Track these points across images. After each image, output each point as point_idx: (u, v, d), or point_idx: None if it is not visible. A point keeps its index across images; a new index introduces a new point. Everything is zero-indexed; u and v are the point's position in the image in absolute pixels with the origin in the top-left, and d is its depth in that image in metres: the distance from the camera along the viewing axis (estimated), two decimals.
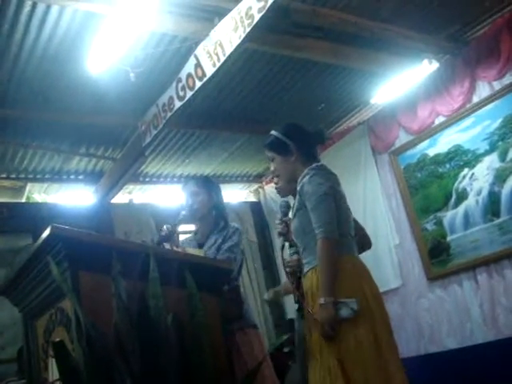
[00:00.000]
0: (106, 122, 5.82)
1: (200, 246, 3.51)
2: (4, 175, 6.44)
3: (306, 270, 2.78)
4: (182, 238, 3.72)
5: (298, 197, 2.80)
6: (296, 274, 2.95)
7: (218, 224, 3.53)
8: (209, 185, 3.68)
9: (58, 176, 6.77)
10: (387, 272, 6.17)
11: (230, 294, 2.89)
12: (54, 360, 2.00)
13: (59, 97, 5.13)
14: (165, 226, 3.44)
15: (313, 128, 3.08)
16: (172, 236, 3.42)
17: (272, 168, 3.06)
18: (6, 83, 4.82)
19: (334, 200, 2.70)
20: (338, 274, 2.58)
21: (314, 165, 2.83)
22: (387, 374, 2.46)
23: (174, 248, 3.23)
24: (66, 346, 1.73)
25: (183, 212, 3.51)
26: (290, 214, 2.96)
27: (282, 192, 3.18)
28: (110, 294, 1.82)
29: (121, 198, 7.32)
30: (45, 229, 2.04)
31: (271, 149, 3.00)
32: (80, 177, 6.93)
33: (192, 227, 3.73)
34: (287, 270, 3.00)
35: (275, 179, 3.22)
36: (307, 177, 2.75)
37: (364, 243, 3.12)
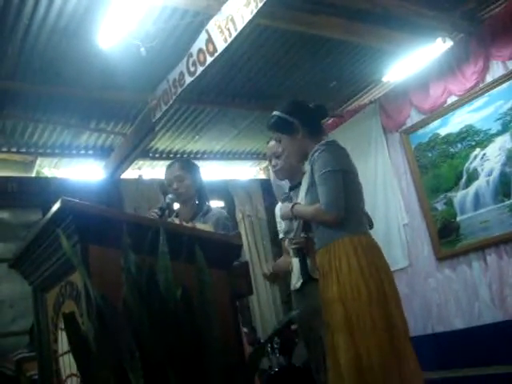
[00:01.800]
0: (116, 97, 5.81)
1: None
2: (14, 149, 6.46)
3: (318, 246, 2.77)
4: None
5: (309, 172, 2.78)
6: (302, 252, 2.97)
7: (201, 207, 3.50)
8: (192, 168, 3.59)
9: (67, 151, 6.78)
10: (396, 251, 6.16)
11: (239, 270, 2.89)
12: (63, 333, 2.01)
13: (69, 71, 5.11)
14: (154, 211, 3.41)
15: (313, 103, 3.04)
16: (164, 217, 3.38)
17: (280, 149, 3.03)
18: (16, 56, 4.81)
19: (342, 176, 2.68)
20: (351, 253, 2.59)
21: (324, 141, 2.80)
22: (401, 356, 2.47)
23: (183, 223, 3.23)
24: (75, 318, 1.74)
25: (170, 195, 3.45)
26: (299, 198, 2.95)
27: (280, 174, 3.21)
28: (119, 267, 1.82)
29: (130, 173, 7.33)
30: (54, 203, 2.04)
31: (276, 129, 2.97)
32: (90, 152, 6.95)
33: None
34: (293, 247, 3.01)
35: (273, 161, 3.23)
36: (317, 153, 2.72)
37: None
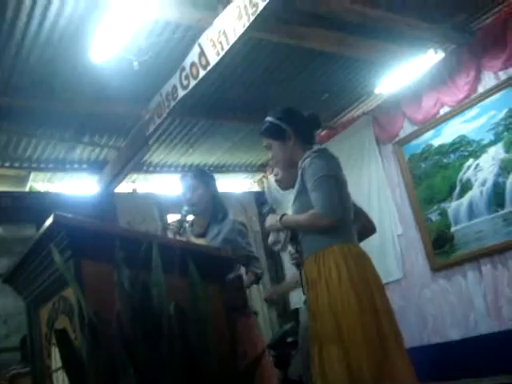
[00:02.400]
0: (110, 111, 5.81)
1: (199, 236, 3.51)
2: (7, 164, 6.43)
3: (306, 255, 2.74)
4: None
5: (299, 179, 2.74)
6: (301, 267, 2.95)
7: (216, 215, 3.53)
8: (205, 177, 3.66)
9: (61, 165, 6.76)
10: (390, 263, 6.17)
11: (233, 283, 2.89)
12: (56, 348, 2.00)
13: (62, 85, 5.12)
14: (172, 222, 3.44)
15: (307, 112, 3.01)
16: (180, 230, 3.40)
17: (270, 155, 3.01)
18: (9, 71, 4.81)
19: (335, 182, 2.66)
20: (341, 262, 2.57)
21: (315, 148, 2.78)
22: (394, 367, 2.45)
23: (178, 237, 3.23)
24: (68, 334, 1.73)
25: (185, 207, 3.49)
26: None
27: (282, 183, 3.15)
28: (113, 282, 1.81)
29: (124, 187, 7.31)
30: (48, 218, 2.03)
31: (267, 135, 2.93)
32: (83, 166, 6.93)
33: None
34: (293, 262, 2.99)
35: (275, 170, 3.19)
36: (308, 159, 2.68)
37: (368, 229, 3.11)
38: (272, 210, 3.01)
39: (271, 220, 2.87)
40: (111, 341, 1.67)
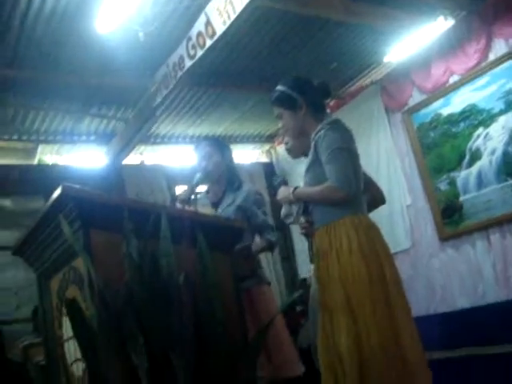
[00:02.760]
0: (117, 83, 5.78)
1: (214, 205, 3.52)
2: (15, 137, 6.44)
3: (317, 226, 2.75)
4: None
5: (312, 150, 2.74)
6: (311, 237, 2.95)
7: (232, 184, 3.55)
8: (221, 145, 3.67)
9: (69, 137, 6.76)
10: (399, 233, 6.16)
11: (241, 252, 2.89)
12: (67, 318, 2.02)
13: (68, 57, 5.09)
14: (182, 191, 3.45)
15: (317, 81, 3.00)
16: (190, 199, 3.41)
17: (280, 124, 3.00)
18: (14, 43, 4.78)
19: (349, 155, 2.66)
20: (352, 233, 2.58)
21: (330, 119, 2.78)
22: (402, 337, 2.47)
23: (186, 206, 3.24)
24: (78, 303, 1.74)
25: (198, 174, 3.49)
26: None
27: (293, 152, 3.14)
28: (122, 252, 1.82)
29: (132, 159, 7.32)
30: (56, 190, 2.03)
31: (279, 104, 2.92)
32: (91, 138, 6.93)
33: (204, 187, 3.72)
34: (302, 231, 2.99)
35: (285, 139, 3.18)
36: (323, 131, 2.68)
37: (378, 199, 3.11)
38: (284, 182, 3.01)
39: (284, 192, 2.87)
40: (121, 310, 1.68)
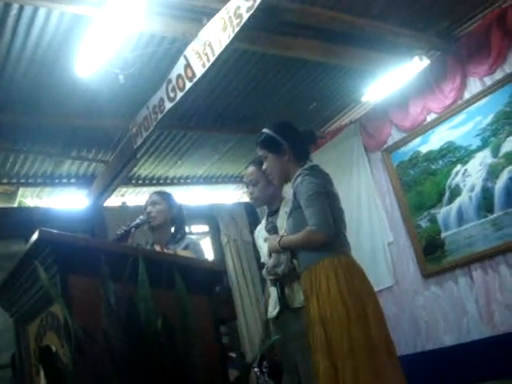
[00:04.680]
0: (97, 125, 5.79)
1: None
2: None
3: (301, 270, 2.78)
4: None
5: (292, 198, 2.79)
6: (279, 282, 2.98)
7: (174, 237, 3.66)
8: (169, 198, 3.82)
9: (49, 180, 6.73)
10: (382, 270, 6.15)
11: (222, 296, 2.89)
12: None
13: (49, 100, 5.10)
14: (122, 227, 3.53)
15: (303, 128, 3.06)
16: (127, 237, 3.52)
17: (264, 166, 3.03)
18: None
19: (327, 199, 2.70)
20: (331, 275, 2.59)
21: (307, 165, 2.82)
22: (382, 377, 2.45)
23: (165, 250, 3.24)
24: (52, 350, 1.71)
25: (141, 217, 3.64)
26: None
27: (257, 202, 3.28)
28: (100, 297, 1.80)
29: (114, 201, 7.28)
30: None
31: (263, 146, 2.97)
32: (72, 180, 6.90)
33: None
34: (270, 277, 3.03)
35: (250, 188, 3.24)
36: (300, 177, 2.74)
37: None
38: (274, 228, 3.04)
39: (272, 243, 2.90)
40: (98, 357, 1.65)
